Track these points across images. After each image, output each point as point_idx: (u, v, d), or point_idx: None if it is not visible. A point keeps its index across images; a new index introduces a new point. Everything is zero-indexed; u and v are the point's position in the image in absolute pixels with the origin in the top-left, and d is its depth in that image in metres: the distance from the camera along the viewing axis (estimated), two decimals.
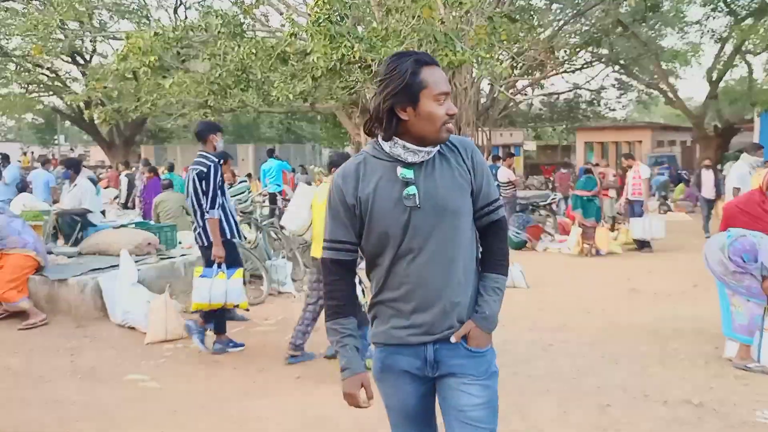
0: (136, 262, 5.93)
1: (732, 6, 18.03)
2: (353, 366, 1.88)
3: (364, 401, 1.87)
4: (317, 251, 4.33)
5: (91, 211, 7.05)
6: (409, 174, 1.81)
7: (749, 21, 16.97)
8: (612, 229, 11.11)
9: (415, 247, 1.81)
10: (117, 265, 5.71)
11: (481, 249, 1.96)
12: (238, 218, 7.39)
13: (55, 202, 9.24)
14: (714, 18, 18.78)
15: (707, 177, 11.31)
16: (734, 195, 7.66)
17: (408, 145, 1.80)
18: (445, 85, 1.81)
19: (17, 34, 12.81)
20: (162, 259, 6.53)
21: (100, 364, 4.62)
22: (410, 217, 1.80)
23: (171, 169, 13.20)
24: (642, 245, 9.94)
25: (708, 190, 11.29)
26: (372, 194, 1.81)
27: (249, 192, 9.10)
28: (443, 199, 1.81)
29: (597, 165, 13.68)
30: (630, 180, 10.37)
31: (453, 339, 1.85)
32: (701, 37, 19.42)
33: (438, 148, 1.86)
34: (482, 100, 16.47)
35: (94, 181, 11.00)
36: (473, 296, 1.89)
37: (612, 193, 11.52)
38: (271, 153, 13.86)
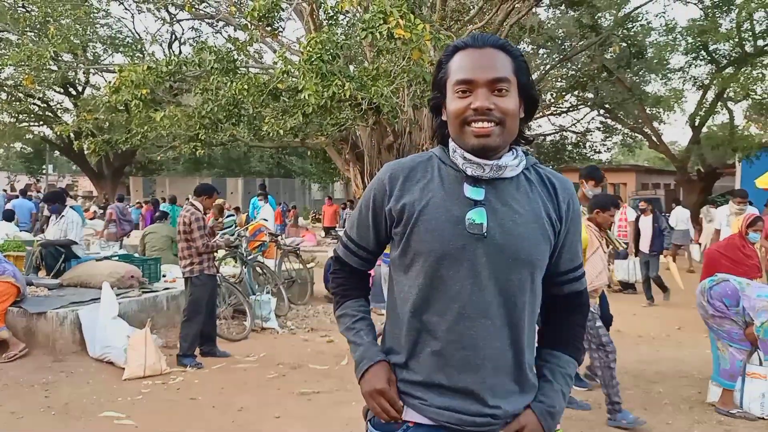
0: (117, 295, 5.86)
1: (713, 55, 18.61)
2: (371, 354, 1.45)
3: (394, 402, 1.40)
4: None
5: (76, 243, 6.98)
6: (478, 194, 1.37)
7: (730, 70, 17.49)
8: None
9: (466, 293, 1.35)
10: (98, 298, 5.63)
11: (548, 322, 1.53)
12: (223, 252, 7.42)
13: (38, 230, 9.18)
14: (696, 66, 19.36)
15: (645, 226, 9.05)
16: (712, 237, 7.78)
17: (467, 154, 1.38)
18: (471, 72, 1.35)
19: (10, 64, 12.86)
20: (144, 292, 6.46)
21: (75, 400, 4.51)
22: (468, 248, 1.35)
23: (173, 201, 13.21)
24: (626, 287, 9.98)
25: (645, 242, 8.92)
26: (426, 202, 1.39)
27: (235, 226, 9.09)
28: (519, 239, 1.36)
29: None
30: (616, 222, 10.48)
31: None
32: (684, 84, 19.98)
33: (521, 166, 1.42)
34: None
35: (79, 212, 10.94)
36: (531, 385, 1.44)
37: None
38: (263, 188, 14.18)
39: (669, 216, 12.01)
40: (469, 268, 1.35)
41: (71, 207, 7.58)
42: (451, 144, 1.42)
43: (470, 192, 1.38)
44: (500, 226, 1.36)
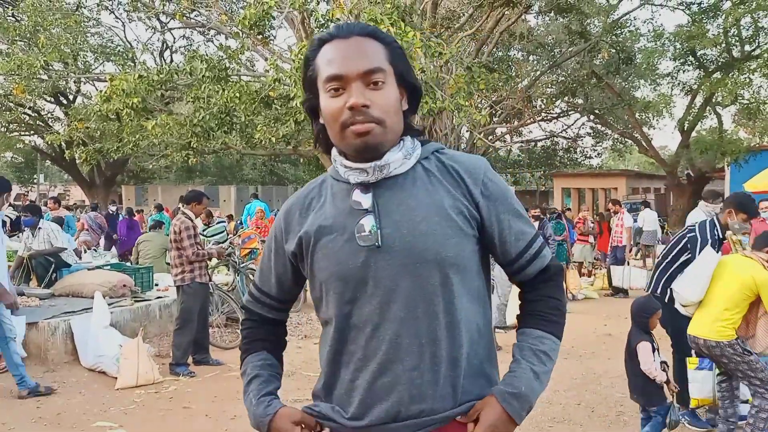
0: (110, 304, 5.84)
1: (701, 60, 18.81)
2: (261, 412, 1.31)
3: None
4: (697, 328, 3.68)
5: (64, 248, 6.95)
6: (365, 199, 1.24)
7: (718, 75, 17.69)
8: (589, 275, 11.24)
9: (376, 312, 1.22)
10: (90, 308, 5.61)
11: (520, 305, 1.38)
12: (216, 260, 7.41)
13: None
14: (684, 71, 19.55)
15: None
16: None
17: (346, 161, 1.27)
18: (340, 65, 1.20)
19: (0, 74, 12.83)
20: (137, 301, 6.44)
21: (67, 411, 4.49)
22: (368, 263, 1.22)
23: (160, 209, 13.20)
24: (617, 291, 10.04)
25: None
26: (318, 225, 1.27)
27: (225, 233, 9.08)
28: (421, 239, 1.20)
29: (569, 209, 14.04)
30: (614, 226, 10.58)
31: (460, 418, 1.23)
32: (672, 89, 20.14)
33: (414, 157, 1.27)
34: (462, 146, 16.79)
35: (71, 222, 10.89)
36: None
37: (591, 239, 11.70)
38: (255, 197, 14.30)
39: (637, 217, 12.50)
40: (375, 284, 1.21)
41: (63, 218, 7.55)
42: (333, 152, 1.30)
43: (358, 201, 1.25)
44: (397, 230, 1.21)
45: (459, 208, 1.25)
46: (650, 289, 4.39)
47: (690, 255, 4.11)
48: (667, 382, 3.58)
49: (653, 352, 3.56)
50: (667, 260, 4.31)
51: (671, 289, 4.01)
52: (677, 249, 4.27)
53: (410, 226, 1.22)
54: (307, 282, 1.36)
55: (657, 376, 3.50)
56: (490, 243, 1.30)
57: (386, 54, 1.25)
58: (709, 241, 4.01)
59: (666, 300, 4.13)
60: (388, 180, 1.25)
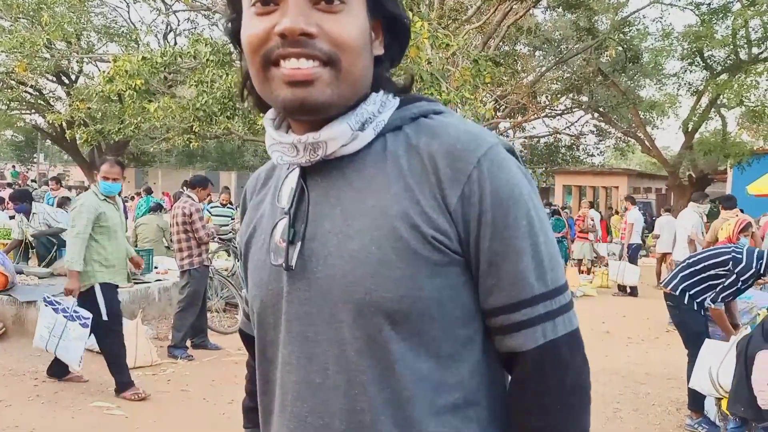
0: None
1: (708, 61, 18.75)
2: None
3: None
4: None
5: (64, 229, 6.95)
6: (287, 192, 0.85)
7: (724, 76, 17.63)
8: (588, 272, 11.26)
9: (286, 370, 0.82)
10: None
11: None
12: (216, 245, 7.40)
13: None
14: (691, 72, 19.49)
15: None
16: (687, 242, 7.89)
17: (271, 128, 0.84)
18: None
19: (2, 51, 12.75)
20: (136, 283, 6.43)
21: (64, 390, 4.49)
22: (280, 291, 0.82)
23: (149, 192, 13.16)
24: (625, 289, 10.02)
25: None
26: (254, 225, 0.91)
27: (232, 219, 9.08)
28: (349, 265, 0.76)
29: (565, 208, 14.15)
30: (620, 226, 10.83)
31: None
32: (678, 89, 20.10)
33: (371, 128, 0.80)
34: None
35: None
36: None
37: (591, 236, 11.69)
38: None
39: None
40: (287, 327, 0.81)
41: (69, 198, 7.52)
42: (269, 113, 0.86)
43: (282, 194, 0.85)
44: (323, 246, 0.78)
45: (415, 218, 0.75)
46: (667, 286, 4.16)
47: (726, 274, 3.92)
48: None
49: None
50: (696, 267, 4.07)
51: (689, 295, 3.98)
52: (713, 261, 4.02)
53: (339, 242, 0.77)
54: None
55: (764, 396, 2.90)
56: (470, 273, 0.79)
57: None
58: (752, 270, 3.83)
59: (684, 302, 4.03)
60: (330, 162, 0.80)
